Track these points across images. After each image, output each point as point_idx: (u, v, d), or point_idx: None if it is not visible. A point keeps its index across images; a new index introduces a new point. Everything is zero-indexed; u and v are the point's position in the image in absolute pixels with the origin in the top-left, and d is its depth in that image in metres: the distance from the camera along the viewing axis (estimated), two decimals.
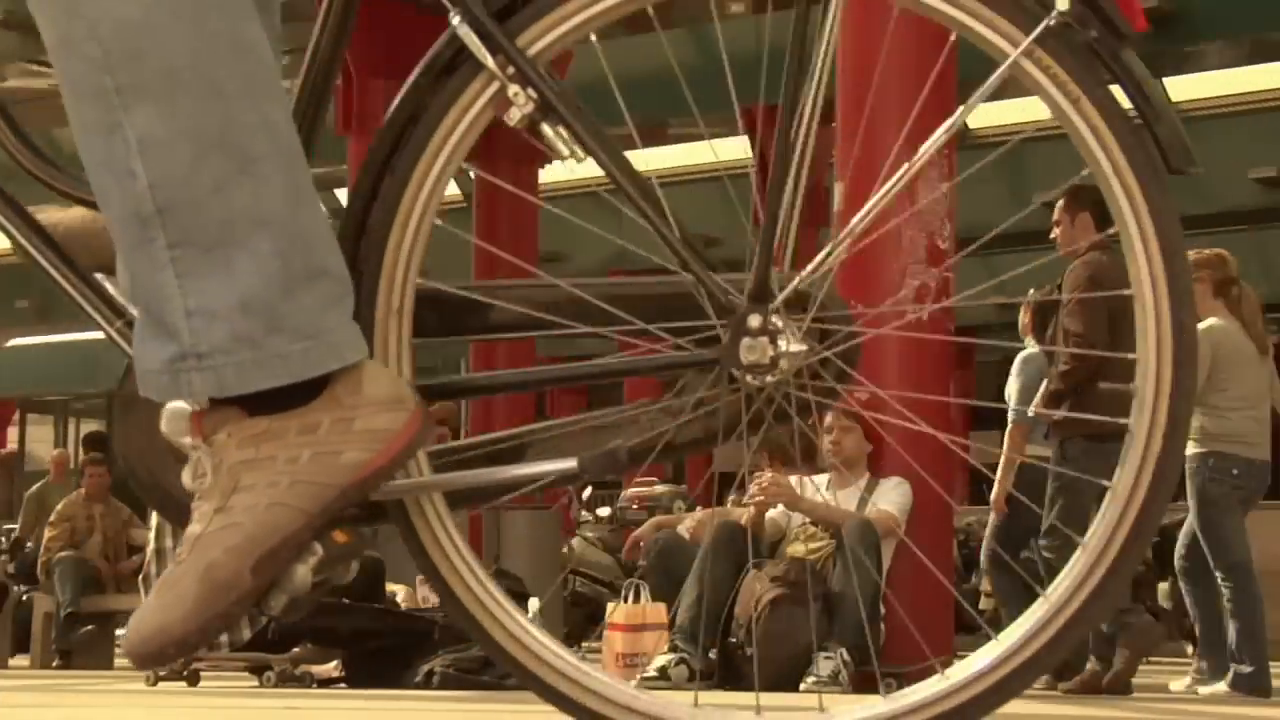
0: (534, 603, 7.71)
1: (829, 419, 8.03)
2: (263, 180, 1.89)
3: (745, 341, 2.00)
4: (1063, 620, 1.99)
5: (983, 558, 9.26)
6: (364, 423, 1.93)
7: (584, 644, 13.09)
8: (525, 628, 2.05)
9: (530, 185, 15.71)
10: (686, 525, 8.74)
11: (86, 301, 2.07)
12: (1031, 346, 9.12)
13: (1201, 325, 8.41)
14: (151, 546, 7.72)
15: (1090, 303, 8.04)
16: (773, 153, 2.04)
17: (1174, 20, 15.44)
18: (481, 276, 15.79)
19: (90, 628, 11.51)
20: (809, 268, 2.05)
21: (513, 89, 2.01)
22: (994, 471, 9.16)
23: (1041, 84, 2.01)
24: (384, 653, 7.22)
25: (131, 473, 2.08)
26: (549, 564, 11.78)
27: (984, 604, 12.44)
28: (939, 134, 2.09)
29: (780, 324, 2.01)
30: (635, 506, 16.92)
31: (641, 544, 9.05)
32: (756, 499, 7.89)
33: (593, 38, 2.13)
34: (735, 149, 19.77)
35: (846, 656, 7.30)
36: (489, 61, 2.00)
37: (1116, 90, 2.02)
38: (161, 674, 7.53)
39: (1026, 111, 19.63)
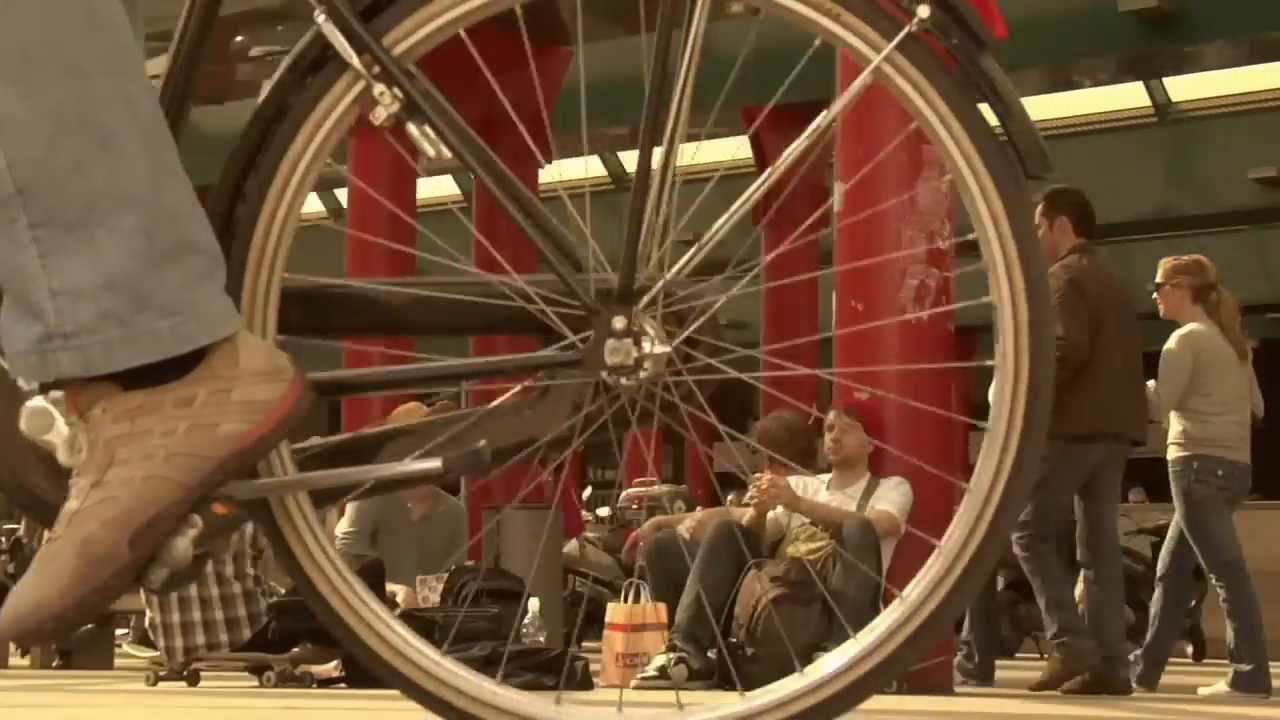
0: (534, 603, 7.72)
1: (830, 417, 8.03)
2: (124, 157, 1.88)
3: (610, 343, 2.01)
4: (920, 620, 2.01)
5: None
6: (242, 394, 1.92)
7: (584, 644, 13.09)
8: (391, 626, 2.06)
9: (530, 185, 15.67)
10: (686, 525, 8.74)
11: None
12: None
13: (1182, 330, 8.47)
14: None
15: (1073, 305, 8.11)
16: (638, 157, 2.04)
17: (1174, 20, 15.44)
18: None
19: (90, 627, 11.51)
20: (673, 270, 2.06)
21: (378, 88, 2.01)
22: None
23: (903, 90, 2.03)
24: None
25: None
26: (549, 564, 11.76)
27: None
28: (804, 137, 2.09)
29: (645, 326, 2.01)
30: (635, 506, 16.92)
31: (641, 544, 9.04)
32: (756, 500, 7.89)
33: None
34: (736, 149, 19.79)
35: None
36: (354, 60, 2.00)
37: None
38: (161, 674, 7.53)
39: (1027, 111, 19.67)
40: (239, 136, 2.04)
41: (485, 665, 7.53)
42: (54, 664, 11.45)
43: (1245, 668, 8.20)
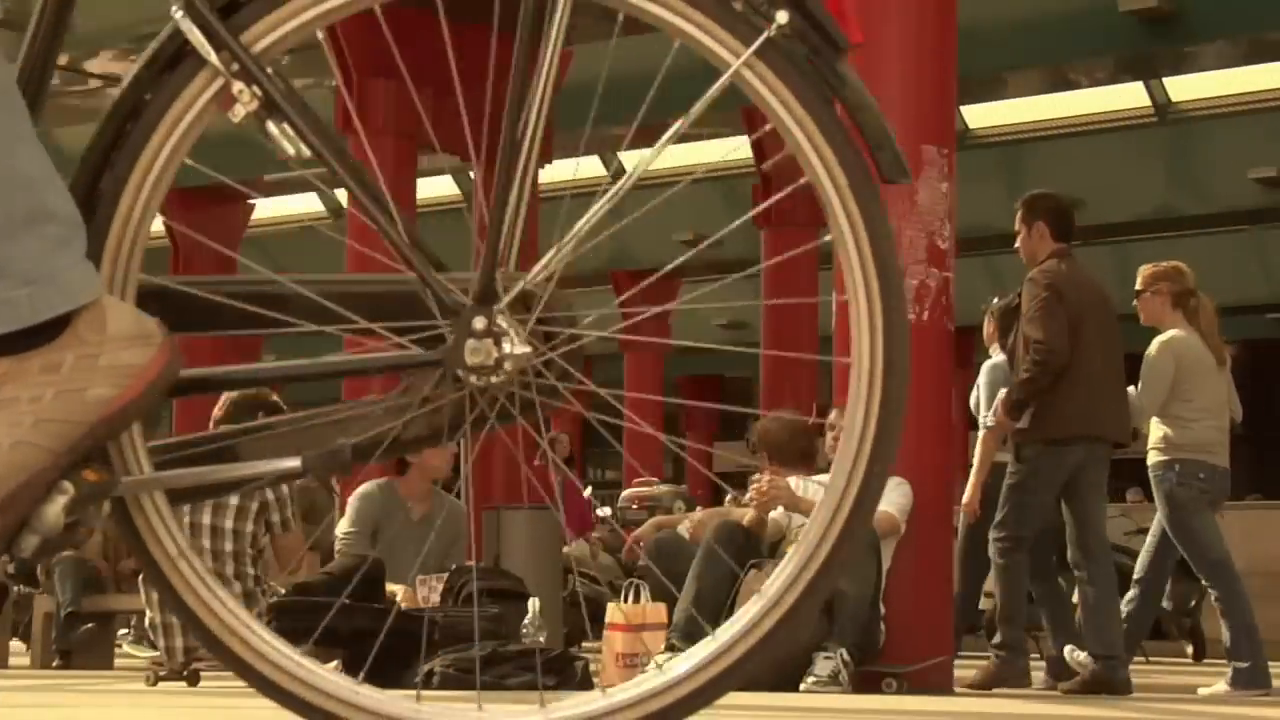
0: (534, 603, 7.71)
1: (832, 416, 8.02)
2: None
3: (470, 343, 2.01)
4: (777, 616, 2.01)
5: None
6: (109, 359, 1.91)
7: (584, 644, 13.09)
8: (250, 626, 2.06)
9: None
10: (686, 525, 8.74)
11: None
12: (997, 355, 9.22)
13: (1163, 337, 8.51)
14: None
15: (1052, 310, 8.14)
16: (498, 155, 2.03)
17: (1173, 20, 15.45)
18: None
19: (90, 627, 11.51)
20: (534, 270, 2.06)
21: (237, 86, 1.99)
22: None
23: (761, 94, 2.02)
24: (384, 653, 7.22)
25: None
26: (549, 564, 11.76)
27: (984, 604, 12.45)
28: (663, 140, 2.10)
29: (505, 326, 2.02)
30: (635, 506, 16.92)
31: (641, 544, 9.04)
32: (755, 502, 7.89)
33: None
34: (736, 149, 19.78)
35: (846, 656, 7.30)
36: (213, 58, 1.98)
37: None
38: (161, 674, 7.52)
39: (1026, 111, 19.67)
40: (96, 134, 2.03)
41: (485, 665, 7.53)
42: (54, 664, 11.45)
43: (1243, 665, 8.22)
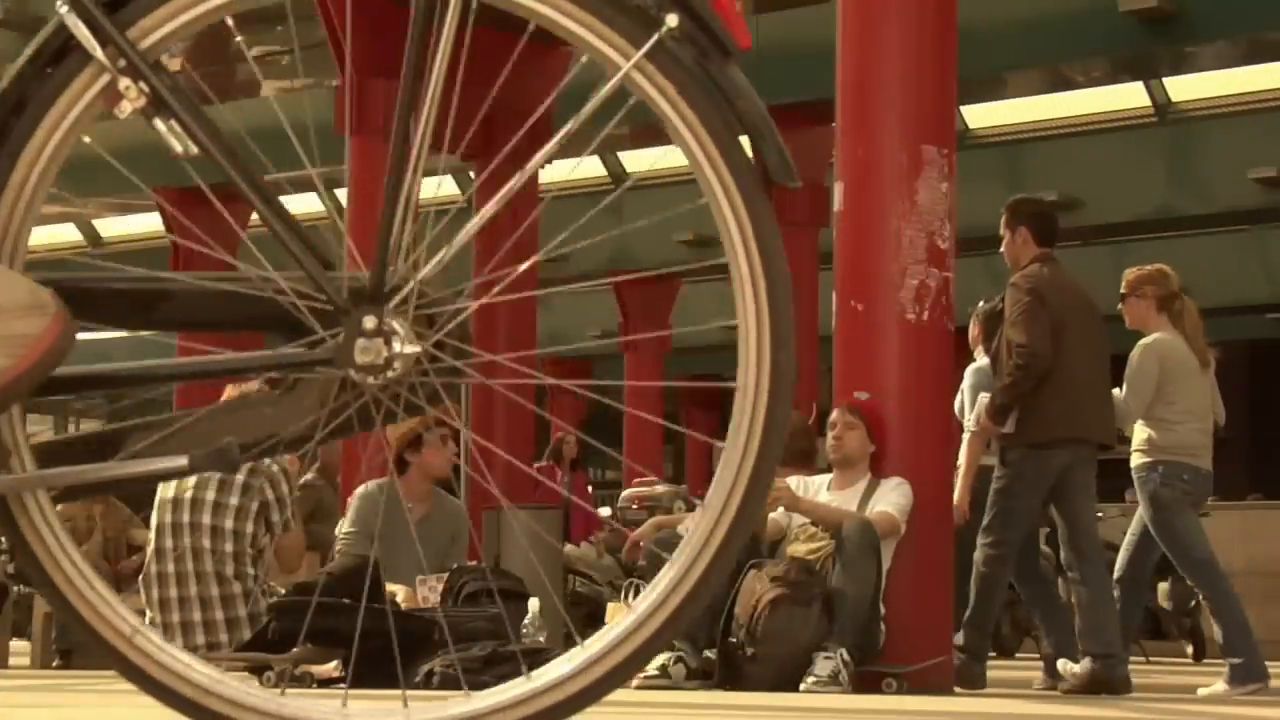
0: (534, 603, 7.71)
1: (834, 415, 8.02)
2: None
3: (360, 342, 2.01)
4: (651, 629, 2.02)
5: None
6: (3, 329, 1.91)
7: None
8: (141, 631, 2.05)
9: (530, 185, 15.68)
10: (686, 525, 8.72)
11: None
12: (981, 359, 9.24)
13: (1147, 340, 8.53)
14: (151, 546, 7.72)
15: (1034, 315, 8.15)
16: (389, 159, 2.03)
17: (1173, 20, 15.44)
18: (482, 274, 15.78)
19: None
20: (424, 270, 2.06)
21: (124, 82, 1.98)
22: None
23: (651, 96, 2.03)
24: (384, 653, 7.21)
25: None
26: (549, 564, 11.76)
27: None
28: (551, 144, 2.10)
29: (395, 326, 2.02)
30: (635, 506, 16.90)
31: (641, 544, 9.04)
32: None
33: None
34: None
35: (846, 656, 7.30)
36: (98, 53, 1.97)
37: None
38: None
39: (1026, 111, 19.67)
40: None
41: (486, 665, 7.53)
42: (54, 664, 11.45)
43: (1238, 660, 8.24)
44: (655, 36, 2.00)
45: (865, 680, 7.44)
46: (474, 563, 8.51)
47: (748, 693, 7.27)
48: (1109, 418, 8.41)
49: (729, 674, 7.52)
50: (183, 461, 1.98)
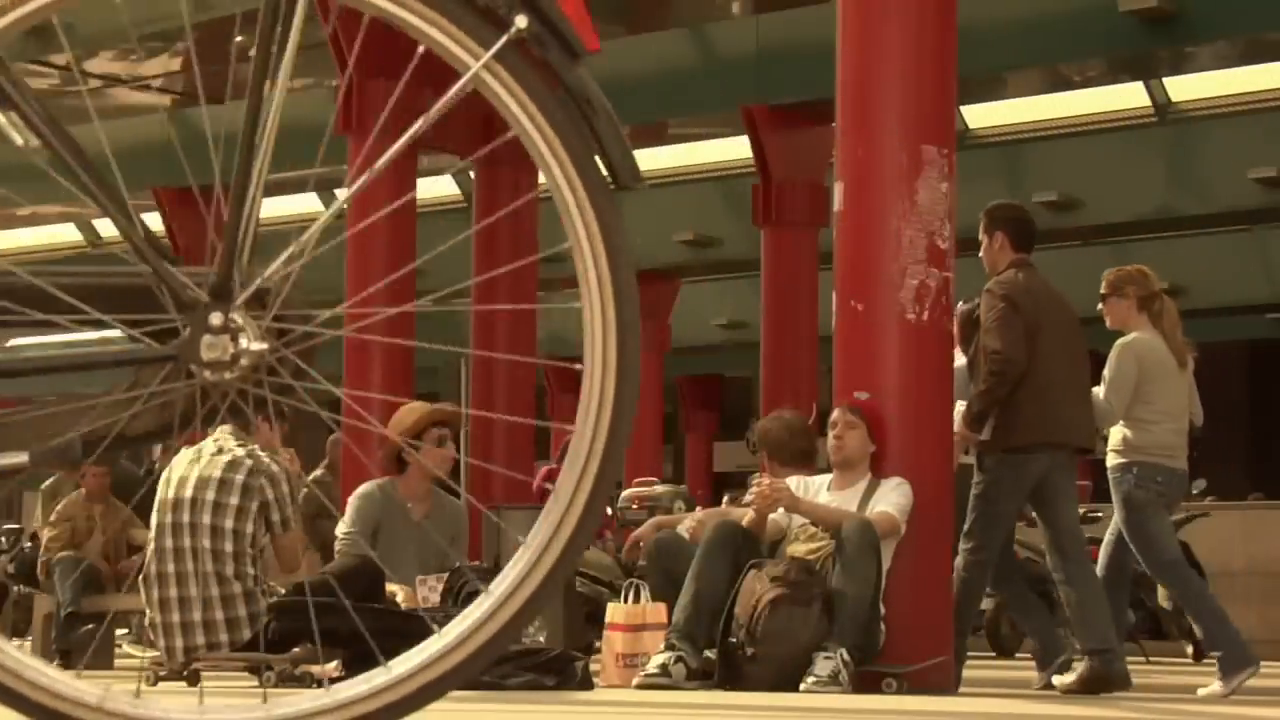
0: None
1: (834, 415, 8.03)
2: None
3: (206, 339, 2.02)
4: (505, 617, 2.04)
5: None
6: None
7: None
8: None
9: (530, 186, 15.69)
10: (686, 525, 8.74)
11: None
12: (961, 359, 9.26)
13: (1125, 339, 8.55)
14: (151, 546, 7.72)
15: (1008, 321, 8.17)
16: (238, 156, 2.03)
17: (1174, 20, 15.44)
18: (481, 275, 15.79)
19: (90, 627, 11.51)
20: (272, 268, 2.06)
21: None
22: None
23: (500, 98, 2.04)
24: (383, 652, 7.22)
25: None
26: None
27: (985, 604, 12.45)
28: (397, 146, 2.10)
29: (241, 322, 2.02)
30: (635, 506, 16.90)
31: (641, 544, 9.05)
32: (755, 504, 7.88)
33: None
34: (736, 149, 19.79)
35: (846, 656, 7.30)
36: None
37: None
38: (161, 674, 7.53)
39: (1026, 111, 19.66)
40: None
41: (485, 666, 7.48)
42: (54, 664, 11.44)
43: (1223, 653, 8.29)
44: (504, 38, 2.01)
45: (865, 680, 7.44)
46: (475, 562, 8.52)
47: (748, 693, 7.27)
48: (1087, 421, 8.44)
49: (729, 674, 7.52)
50: (23, 457, 1.97)
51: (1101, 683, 8.02)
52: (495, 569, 8.95)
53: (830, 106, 8.36)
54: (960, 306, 9.23)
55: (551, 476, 14.96)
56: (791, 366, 16.51)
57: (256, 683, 7.30)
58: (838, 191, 8.17)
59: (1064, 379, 8.26)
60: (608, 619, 8.02)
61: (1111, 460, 8.58)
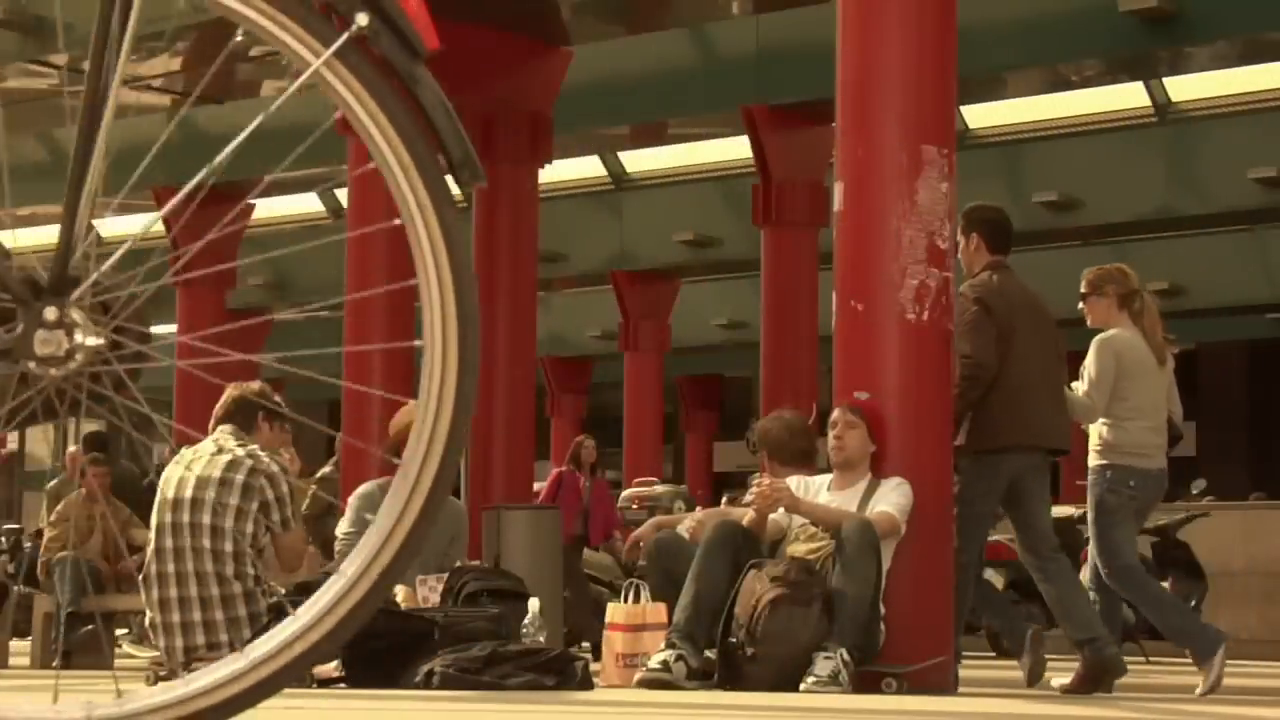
0: (534, 603, 7.71)
1: (835, 414, 8.03)
2: None
3: (40, 334, 2.02)
4: (353, 600, 2.10)
5: None
6: None
7: (583, 643, 13.08)
8: None
9: (530, 185, 15.69)
10: (686, 525, 8.74)
11: None
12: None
13: (1104, 335, 8.58)
14: (151, 546, 7.72)
15: (979, 324, 8.18)
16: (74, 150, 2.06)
17: (1174, 20, 15.44)
18: (481, 276, 15.79)
19: (90, 628, 11.51)
20: (108, 263, 2.07)
21: None
22: None
23: (342, 95, 2.05)
24: (384, 653, 7.21)
25: None
26: (549, 564, 11.76)
27: None
28: (233, 144, 2.12)
29: (77, 318, 2.02)
30: (635, 506, 16.93)
31: (641, 544, 9.05)
32: (755, 504, 7.88)
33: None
34: (736, 149, 19.79)
35: (846, 656, 7.30)
36: None
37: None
38: (161, 674, 7.52)
39: (1026, 111, 19.67)
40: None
41: (486, 665, 7.51)
42: (54, 664, 11.45)
43: (1192, 645, 8.36)
44: (345, 35, 2.02)
45: (865, 680, 7.44)
46: (475, 562, 8.53)
47: (748, 693, 7.27)
48: (1062, 423, 8.46)
49: (729, 674, 7.52)
50: None
51: (1100, 670, 8.04)
52: (495, 569, 8.96)
53: (830, 106, 8.36)
54: None
55: (563, 480, 14.98)
56: (791, 366, 16.51)
57: None
58: (838, 191, 8.17)
59: (1038, 381, 8.29)
60: (608, 619, 8.03)
61: (1090, 460, 8.64)
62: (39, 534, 13.98)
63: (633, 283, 23.52)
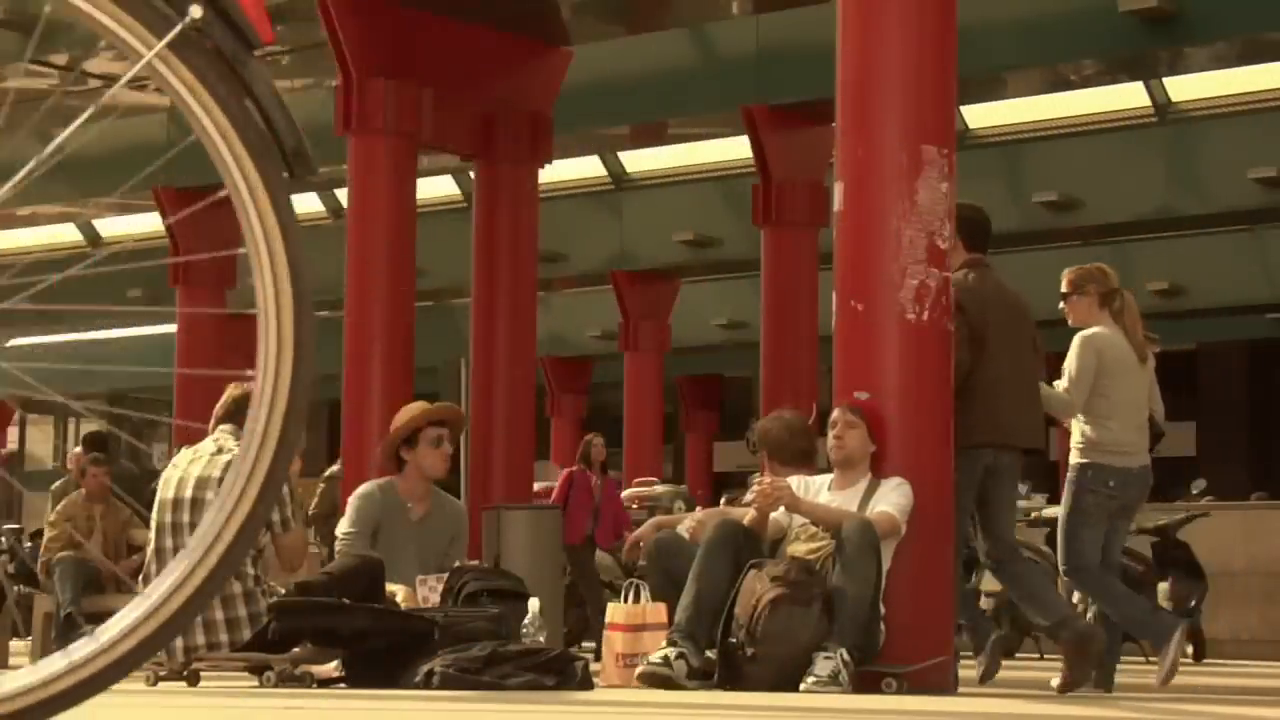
0: (534, 603, 7.71)
1: (835, 414, 8.03)
2: None
3: None
4: (165, 615, 2.08)
5: None
6: None
7: (583, 643, 13.09)
8: None
9: (530, 185, 15.69)
10: (686, 525, 8.74)
11: None
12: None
13: (1085, 333, 8.62)
14: (151, 546, 7.72)
15: (953, 321, 8.18)
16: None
17: (1173, 20, 15.44)
18: (481, 276, 15.79)
19: (90, 628, 11.52)
20: None
21: None
22: None
23: (175, 87, 2.05)
24: (384, 653, 7.22)
25: None
26: (549, 564, 11.77)
27: (984, 603, 12.45)
28: (51, 147, 2.13)
29: None
30: (635, 506, 16.92)
31: (641, 544, 9.05)
32: (755, 503, 7.88)
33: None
34: (736, 149, 19.79)
35: (846, 656, 7.30)
36: None
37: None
38: (161, 674, 7.52)
39: (1026, 111, 19.67)
40: None
41: (486, 665, 7.50)
42: None
43: (1150, 636, 8.44)
44: (178, 27, 2.02)
45: (865, 680, 7.44)
46: (475, 561, 8.52)
47: (748, 693, 7.27)
48: (1036, 422, 8.50)
49: (729, 674, 7.52)
50: None
51: (1081, 648, 8.08)
52: (496, 569, 8.96)
53: (830, 106, 8.35)
54: None
55: (574, 479, 14.98)
56: (791, 366, 16.51)
57: (257, 683, 7.30)
58: (838, 191, 8.17)
59: (1011, 380, 8.32)
60: (608, 619, 8.03)
61: (1071, 458, 8.67)
62: (39, 534, 13.98)
63: (633, 283, 23.52)
